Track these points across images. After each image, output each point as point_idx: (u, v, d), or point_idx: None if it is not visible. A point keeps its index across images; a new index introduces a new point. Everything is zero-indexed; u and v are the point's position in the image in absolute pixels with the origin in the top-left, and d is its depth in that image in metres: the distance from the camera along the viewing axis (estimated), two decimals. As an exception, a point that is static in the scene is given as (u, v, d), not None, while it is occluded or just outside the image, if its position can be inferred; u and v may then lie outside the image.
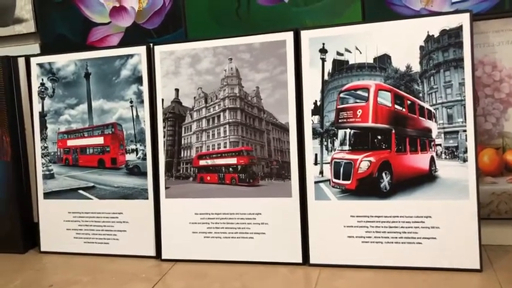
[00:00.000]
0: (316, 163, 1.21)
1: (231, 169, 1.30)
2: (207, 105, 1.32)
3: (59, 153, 1.46)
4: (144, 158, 1.36)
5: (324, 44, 1.19)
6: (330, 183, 1.20)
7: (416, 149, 1.17)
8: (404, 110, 1.17)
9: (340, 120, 1.20)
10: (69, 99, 1.43)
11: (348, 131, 1.20)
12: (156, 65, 1.33)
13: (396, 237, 1.15)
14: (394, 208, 1.15)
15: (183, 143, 1.34)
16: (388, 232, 1.15)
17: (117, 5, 1.46)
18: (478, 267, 1.10)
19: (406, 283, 1.07)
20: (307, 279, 1.14)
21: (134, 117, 1.37)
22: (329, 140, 1.21)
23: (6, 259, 1.41)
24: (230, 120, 1.29)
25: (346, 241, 1.18)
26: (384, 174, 1.16)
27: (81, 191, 1.41)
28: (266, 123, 1.27)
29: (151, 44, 1.35)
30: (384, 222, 1.15)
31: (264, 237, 1.24)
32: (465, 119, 1.11)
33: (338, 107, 1.20)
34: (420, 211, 1.13)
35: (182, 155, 1.33)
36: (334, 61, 1.20)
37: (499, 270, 1.10)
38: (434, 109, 1.15)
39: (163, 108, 1.33)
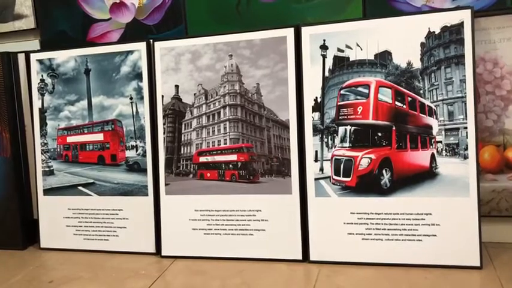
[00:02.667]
0: (316, 160, 1.21)
1: (231, 166, 1.30)
2: (207, 101, 1.32)
3: (58, 150, 1.46)
4: (144, 155, 1.35)
5: (324, 40, 1.19)
6: (330, 180, 1.20)
7: (417, 146, 1.17)
8: (405, 106, 1.17)
9: (340, 117, 1.20)
10: (69, 95, 1.42)
11: (348, 127, 1.20)
12: (156, 61, 1.33)
13: (396, 234, 1.14)
14: (394, 205, 1.15)
15: (183, 139, 1.34)
16: (388, 229, 1.15)
17: (118, 1, 1.45)
18: (478, 264, 1.10)
19: (406, 280, 1.07)
20: (307, 276, 1.14)
21: (134, 113, 1.36)
22: (329, 137, 1.21)
23: (6, 255, 1.41)
24: (230, 117, 1.29)
25: (346, 238, 1.18)
26: (384, 171, 1.16)
27: (80, 188, 1.41)
28: (266, 120, 1.27)
29: (151, 40, 1.35)
30: (384, 219, 1.15)
31: (264, 234, 1.24)
32: (466, 116, 1.11)
33: (339, 103, 1.20)
34: (421, 208, 1.13)
35: (182, 152, 1.33)
36: (335, 57, 1.19)
37: (499, 268, 1.10)
38: (435, 106, 1.15)
39: (163, 104, 1.33)
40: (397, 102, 1.17)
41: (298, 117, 1.22)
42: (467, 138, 1.11)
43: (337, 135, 1.20)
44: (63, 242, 1.42)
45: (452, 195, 1.11)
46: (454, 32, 1.11)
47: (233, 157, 1.29)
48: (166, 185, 1.32)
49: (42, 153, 1.46)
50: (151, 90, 1.34)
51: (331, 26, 1.19)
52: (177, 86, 1.32)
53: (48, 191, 1.44)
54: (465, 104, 1.11)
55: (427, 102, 1.15)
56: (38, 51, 1.48)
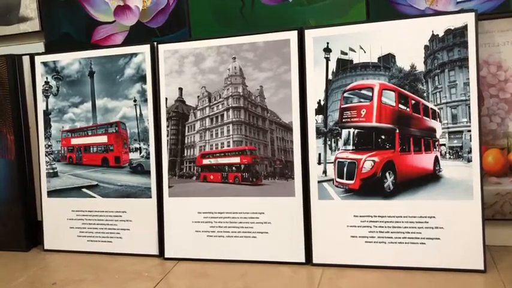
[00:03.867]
0: (319, 162, 1.21)
1: (234, 168, 1.30)
2: (211, 104, 1.32)
3: (62, 152, 1.46)
4: (148, 157, 1.36)
5: (328, 43, 1.19)
6: (333, 183, 1.20)
7: (421, 148, 1.17)
8: (408, 109, 1.17)
9: (344, 120, 1.20)
10: (73, 97, 1.43)
11: (351, 130, 1.19)
12: (160, 64, 1.33)
13: (400, 238, 1.14)
14: (397, 208, 1.14)
15: (186, 142, 1.34)
16: (391, 232, 1.15)
17: (122, 4, 1.46)
18: (482, 268, 1.09)
19: (409, 283, 1.07)
20: (310, 279, 1.13)
21: (138, 116, 1.37)
22: (333, 140, 1.21)
23: (9, 257, 1.42)
24: (234, 119, 1.29)
25: (349, 241, 1.17)
26: (387, 174, 1.16)
27: (84, 190, 1.42)
28: (270, 122, 1.27)
29: (155, 43, 1.35)
30: (388, 222, 1.15)
31: (267, 237, 1.24)
32: (470, 119, 1.11)
33: (342, 106, 1.20)
34: (424, 211, 1.13)
35: (185, 154, 1.33)
36: (339, 60, 1.19)
37: (503, 271, 1.09)
38: (438, 109, 1.14)
39: (167, 107, 1.33)
40: (400, 105, 1.16)
41: (301, 119, 1.22)
42: (471, 141, 1.11)
43: (341, 138, 1.20)
44: (67, 244, 1.42)
45: (455, 198, 1.11)
46: (457, 35, 1.11)
47: (236, 159, 1.29)
48: (169, 187, 1.32)
49: (46, 155, 1.46)
50: (155, 93, 1.35)
51: (335, 28, 1.19)
52: (180, 89, 1.32)
53: (52, 193, 1.44)
54: (469, 107, 1.11)
55: (430, 105, 1.15)
56: (42, 53, 1.49)
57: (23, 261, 1.38)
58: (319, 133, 1.21)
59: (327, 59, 1.20)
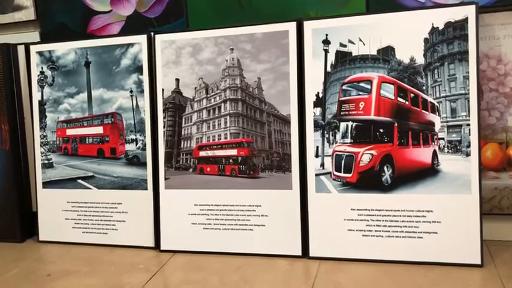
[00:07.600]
0: (317, 155, 1.20)
1: (231, 160, 1.29)
2: (208, 95, 1.31)
3: (58, 142, 1.45)
4: (144, 148, 1.35)
5: (327, 35, 1.18)
6: (331, 176, 1.19)
7: (419, 142, 1.16)
8: (407, 103, 1.16)
9: (342, 113, 1.19)
10: (69, 88, 1.41)
11: (350, 123, 1.19)
12: (157, 55, 1.32)
13: (397, 231, 1.14)
14: (395, 202, 1.14)
15: (183, 133, 1.33)
16: (388, 226, 1.14)
17: (118, -7, 1.44)
18: (479, 262, 1.09)
19: (406, 278, 1.07)
20: (306, 272, 1.13)
21: (134, 107, 1.35)
22: (331, 133, 1.20)
23: (4, 248, 1.41)
24: (231, 111, 1.28)
25: (346, 234, 1.17)
26: (385, 168, 1.15)
27: (80, 181, 1.41)
28: (267, 114, 1.26)
29: (152, 33, 1.34)
30: (385, 216, 1.15)
31: (264, 230, 1.23)
32: (469, 113, 1.10)
33: (340, 99, 1.19)
34: (422, 205, 1.12)
35: (182, 146, 1.32)
36: (337, 52, 1.18)
37: (500, 266, 1.09)
38: (437, 102, 1.14)
39: (163, 98, 1.32)
40: (399, 98, 1.16)
41: (299, 112, 1.21)
42: (469, 135, 1.10)
43: (339, 130, 1.19)
44: (62, 235, 1.41)
45: (453, 192, 1.10)
46: (458, 28, 1.10)
47: (233, 152, 1.28)
48: (165, 179, 1.31)
49: (41, 146, 1.45)
50: (151, 84, 1.33)
51: (334, 20, 1.18)
52: (177, 80, 1.31)
53: (47, 184, 1.43)
54: (468, 100, 1.10)
55: (429, 98, 1.14)
56: (37, 43, 1.47)
57: (18, 252, 1.38)
58: (317, 126, 1.20)
59: (326, 51, 1.19)
